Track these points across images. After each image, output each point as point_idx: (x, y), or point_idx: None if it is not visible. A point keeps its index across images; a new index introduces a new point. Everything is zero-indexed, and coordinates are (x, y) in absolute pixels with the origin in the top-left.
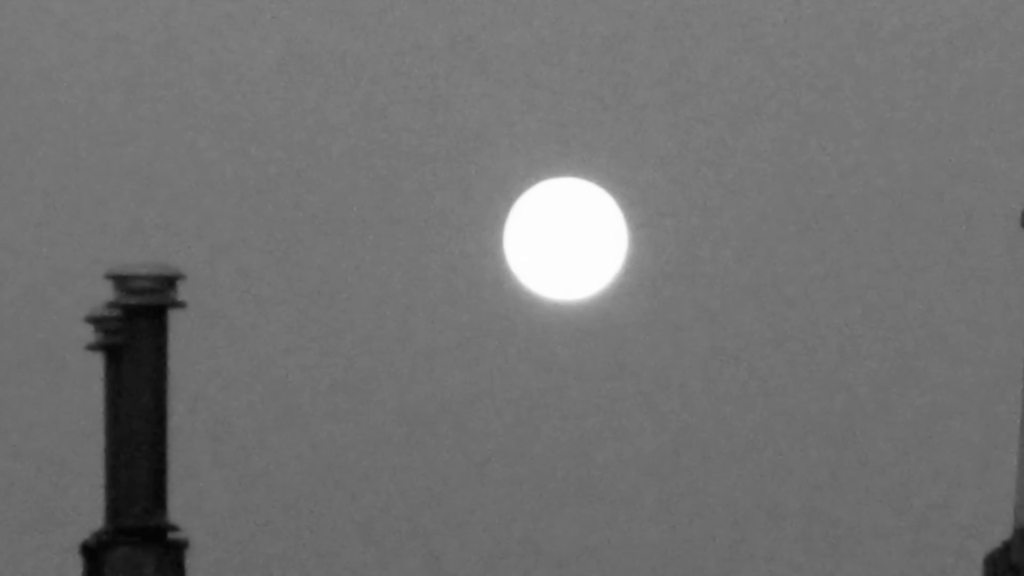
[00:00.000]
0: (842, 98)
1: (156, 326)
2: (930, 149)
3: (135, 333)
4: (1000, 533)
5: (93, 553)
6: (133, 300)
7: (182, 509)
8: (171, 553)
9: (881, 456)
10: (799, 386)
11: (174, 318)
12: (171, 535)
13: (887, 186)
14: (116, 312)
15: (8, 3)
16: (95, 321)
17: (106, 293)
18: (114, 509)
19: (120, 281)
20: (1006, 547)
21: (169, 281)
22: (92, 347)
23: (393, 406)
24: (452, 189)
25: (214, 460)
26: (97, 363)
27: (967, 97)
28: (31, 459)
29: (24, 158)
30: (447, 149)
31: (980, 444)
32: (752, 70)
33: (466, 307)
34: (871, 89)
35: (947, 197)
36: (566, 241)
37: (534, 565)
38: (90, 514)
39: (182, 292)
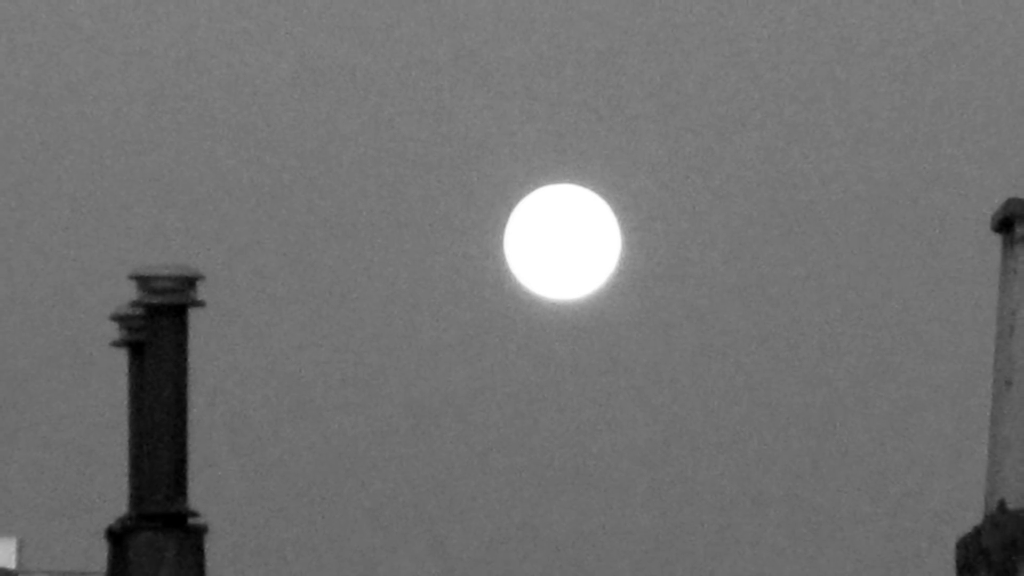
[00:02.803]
0: (823, 110)
1: (177, 324)
2: (907, 157)
3: (157, 331)
4: (972, 519)
5: (118, 537)
6: (155, 299)
7: (201, 496)
8: (191, 537)
9: (860, 447)
10: (783, 381)
11: (194, 316)
12: (191, 521)
13: (866, 192)
14: (139, 311)
15: (38, 21)
16: (119, 319)
17: (130, 293)
18: (137, 496)
19: (143, 281)
20: (977, 532)
21: (189, 282)
22: (116, 344)
23: (400, 399)
24: (455, 195)
25: (231, 450)
26: (121, 359)
27: (942, 109)
28: (59, 449)
29: (52, 166)
30: (451, 157)
31: (953, 435)
32: (738, 83)
33: (469, 306)
34: (851, 101)
35: (923, 203)
36: (563, 243)
37: (533, 549)
38: (115, 501)
39: (201, 292)
